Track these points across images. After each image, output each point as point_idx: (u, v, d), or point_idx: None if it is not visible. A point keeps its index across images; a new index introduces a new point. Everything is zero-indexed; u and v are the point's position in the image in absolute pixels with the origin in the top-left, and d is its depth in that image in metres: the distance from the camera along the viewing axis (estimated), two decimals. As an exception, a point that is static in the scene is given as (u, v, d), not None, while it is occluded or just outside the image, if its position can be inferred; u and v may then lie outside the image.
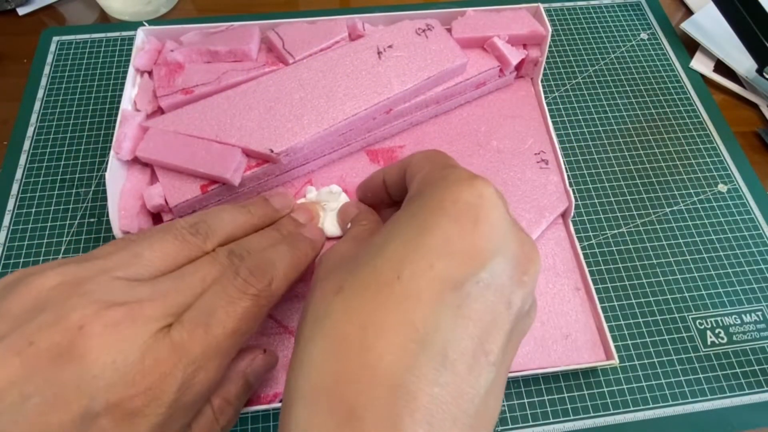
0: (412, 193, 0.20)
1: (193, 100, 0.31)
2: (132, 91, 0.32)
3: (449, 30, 0.35)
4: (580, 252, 0.31)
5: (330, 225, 0.29)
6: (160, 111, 0.32)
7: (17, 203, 0.34)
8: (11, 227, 0.33)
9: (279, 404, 0.25)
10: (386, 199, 0.26)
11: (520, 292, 0.17)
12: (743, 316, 0.32)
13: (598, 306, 0.29)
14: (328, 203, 0.30)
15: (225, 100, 0.31)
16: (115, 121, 0.36)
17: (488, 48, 0.35)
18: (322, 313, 0.17)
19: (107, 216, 0.33)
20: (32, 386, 0.16)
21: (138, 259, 0.19)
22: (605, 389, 0.29)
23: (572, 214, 0.32)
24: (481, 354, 0.16)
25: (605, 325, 0.29)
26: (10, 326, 0.16)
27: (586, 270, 0.31)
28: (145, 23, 0.35)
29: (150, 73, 0.33)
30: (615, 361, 0.28)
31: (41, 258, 0.32)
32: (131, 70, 0.32)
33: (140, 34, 0.33)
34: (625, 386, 0.29)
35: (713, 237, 0.34)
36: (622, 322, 0.31)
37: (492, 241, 0.17)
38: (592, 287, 0.30)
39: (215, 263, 0.21)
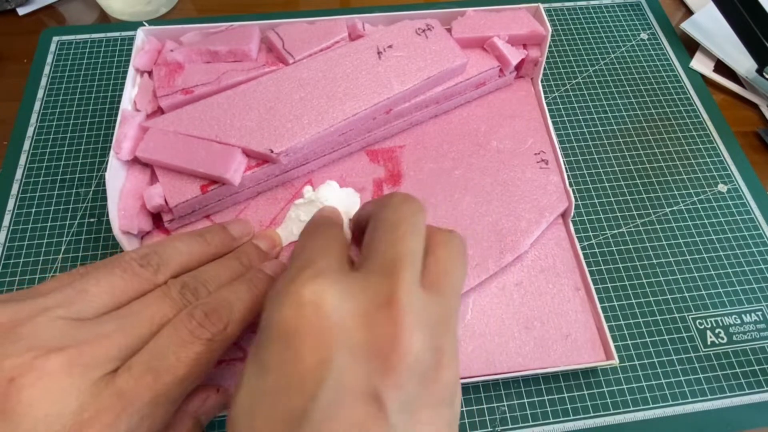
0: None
1: (193, 100, 0.31)
2: (132, 91, 0.32)
3: (449, 30, 0.35)
4: (580, 252, 0.31)
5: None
6: (160, 111, 0.32)
7: (17, 203, 0.34)
8: (11, 227, 0.33)
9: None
10: None
11: (392, 379, 0.15)
12: (743, 316, 0.32)
13: (598, 306, 0.29)
14: (327, 200, 0.30)
15: (225, 100, 0.31)
16: (115, 121, 0.36)
17: (488, 48, 0.35)
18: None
19: (107, 216, 0.33)
20: None
21: (82, 296, 0.18)
22: (605, 389, 0.29)
23: (572, 214, 0.32)
24: None
25: (605, 325, 0.29)
26: None
27: (586, 270, 0.31)
28: (145, 23, 0.35)
29: (150, 73, 0.33)
30: (615, 361, 0.28)
31: (41, 258, 0.32)
32: (131, 70, 0.32)
33: (140, 34, 0.33)
34: (625, 386, 0.29)
35: (713, 237, 0.34)
36: (622, 322, 0.31)
37: (324, 352, 0.15)
38: (592, 287, 0.30)
39: (165, 299, 0.20)
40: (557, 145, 0.34)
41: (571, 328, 0.29)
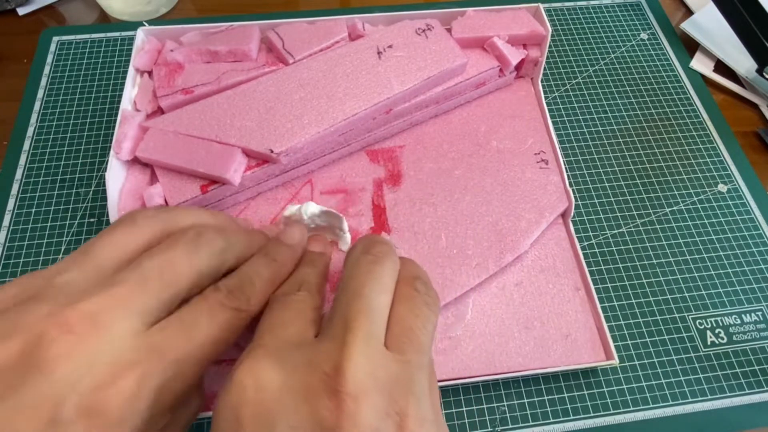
0: None
1: (193, 100, 0.31)
2: (132, 91, 0.32)
3: (449, 30, 0.35)
4: (580, 252, 0.31)
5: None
6: (160, 111, 0.32)
7: (17, 203, 0.34)
8: (11, 227, 0.33)
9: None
10: None
11: None
12: (743, 316, 0.32)
13: (598, 306, 0.29)
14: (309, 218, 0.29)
15: (225, 100, 0.31)
16: (115, 121, 0.36)
17: (488, 48, 0.35)
18: None
19: (107, 216, 0.33)
20: None
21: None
22: (605, 389, 0.29)
23: (572, 214, 0.32)
24: None
25: (605, 325, 0.29)
26: None
27: (586, 270, 0.31)
28: (145, 23, 0.35)
29: (150, 73, 0.33)
30: (615, 361, 0.28)
31: (41, 258, 0.32)
32: (131, 70, 0.32)
33: (140, 34, 0.33)
34: (625, 386, 0.29)
35: (713, 237, 0.34)
36: (622, 322, 0.31)
37: (267, 426, 0.15)
38: (592, 287, 0.30)
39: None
40: (557, 145, 0.34)
41: (571, 328, 0.29)
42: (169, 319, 0.18)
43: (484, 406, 0.28)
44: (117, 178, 0.29)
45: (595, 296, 0.30)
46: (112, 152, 0.29)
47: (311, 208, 0.27)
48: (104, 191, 0.31)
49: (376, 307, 0.18)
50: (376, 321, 0.18)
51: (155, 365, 0.17)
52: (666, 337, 0.31)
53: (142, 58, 0.32)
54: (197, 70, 0.32)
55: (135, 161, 0.30)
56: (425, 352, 0.18)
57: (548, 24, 0.35)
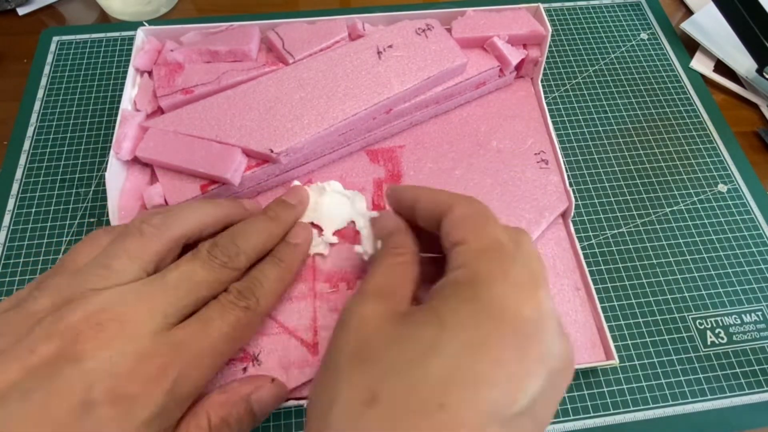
0: (458, 274, 0.18)
1: (193, 100, 0.31)
2: (132, 91, 0.32)
3: (449, 30, 0.35)
4: (580, 252, 0.31)
5: (329, 235, 0.29)
6: (160, 111, 0.32)
7: (17, 203, 0.34)
8: (11, 227, 0.33)
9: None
10: (413, 223, 0.23)
11: (563, 389, 0.17)
12: (743, 316, 0.32)
13: (598, 306, 0.29)
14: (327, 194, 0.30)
15: (225, 100, 0.31)
16: (115, 121, 0.36)
17: (488, 48, 0.35)
18: (350, 427, 0.15)
19: (107, 216, 0.33)
20: (33, 384, 0.17)
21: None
22: (605, 389, 0.29)
23: (572, 214, 0.32)
24: None
25: (605, 325, 0.29)
26: (11, 341, 0.18)
27: (586, 270, 0.31)
28: (145, 23, 0.35)
29: (150, 73, 0.33)
30: (615, 361, 0.28)
31: (41, 258, 0.32)
32: (131, 70, 0.32)
33: (140, 34, 0.33)
34: (625, 386, 0.29)
35: (713, 237, 0.34)
36: (622, 322, 0.31)
37: (544, 360, 0.16)
38: (592, 287, 0.30)
39: (196, 260, 0.22)
40: (557, 145, 0.34)
41: (571, 328, 0.29)
42: (189, 320, 0.21)
43: (484, 406, 0.28)
44: (117, 178, 0.29)
45: (595, 296, 0.30)
46: (112, 152, 0.29)
47: (335, 186, 0.30)
48: (104, 191, 0.31)
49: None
50: None
51: (175, 358, 0.19)
52: (666, 337, 0.31)
53: (142, 58, 0.32)
54: (197, 70, 0.32)
55: (135, 161, 0.30)
56: None
57: (548, 24, 0.35)
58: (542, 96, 0.36)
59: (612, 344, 0.28)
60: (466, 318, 0.16)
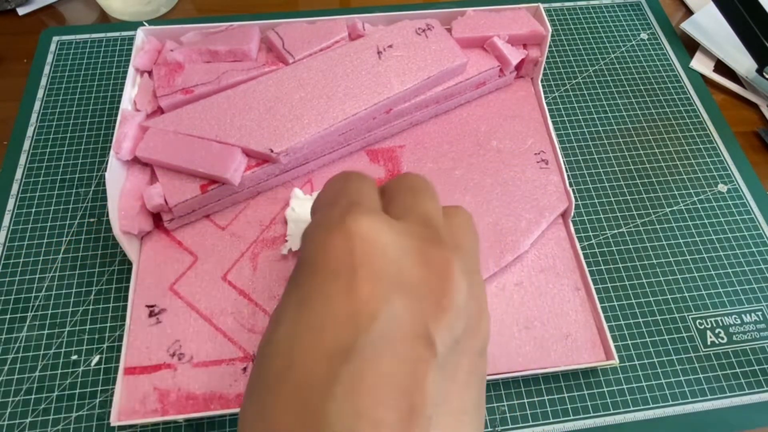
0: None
1: (193, 100, 0.31)
2: (132, 91, 0.32)
3: (449, 30, 0.35)
4: (581, 252, 0.31)
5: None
6: (160, 111, 0.32)
7: (17, 203, 0.34)
8: (11, 227, 0.33)
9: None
10: None
11: (444, 320, 0.15)
12: (743, 316, 0.32)
13: (598, 306, 0.29)
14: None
15: (225, 100, 0.31)
16: (115, 121, 0.36)
17: (488, 48, 0.35)
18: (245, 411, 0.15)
19: (107, 216, 0.33)
20: None
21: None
22: (605, 389, 0.29)
23: (572, 214, 0.32)
24: (407, 413, 0.13)
25: (605, 325, 0.29)
26: None
27: (586, 270, 0.31)
28: (145, 23, 0.35)
29: (150, 72, 0.33)
30: (615, 361, 0.28)
31: (41, 258, 0.32)
32: (131, 70, 0.32)
33: (140, 34, 0.33)
34: (625, 386, 0.29)
35: (713, 237, 0.34)
36: (622, 322, 0.31)
37: (379, 286, 0.15)
38: (592, 287, 0.30)
39: None
40: (557, 145, 0.34)
41: (571, 328, 0.29)
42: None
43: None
44: (117, 178, 0.29)
45: (595, 296, 0.30)
46: (112, 152, 0.29)
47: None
48: (104, 191, 0.31)
49: (439, 210, 0.20)
50: (441, 221, 0.19)
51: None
52: (666, 337, 0.31)
53: (141, 58, 0.32)
54: (197, 70, 0.32)
55: (135, 161, 0.30)
56: (477, 258, 0.20)
57: (548, 24, 0.35)
58: (542, 96, 0.36)
59: (612, 344, 0.28)
60: (293, 276, 0.16)
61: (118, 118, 0.30)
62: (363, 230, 0.15)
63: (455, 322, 0.15)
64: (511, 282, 0.31)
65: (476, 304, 0.17)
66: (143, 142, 0.29)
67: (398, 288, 0.15)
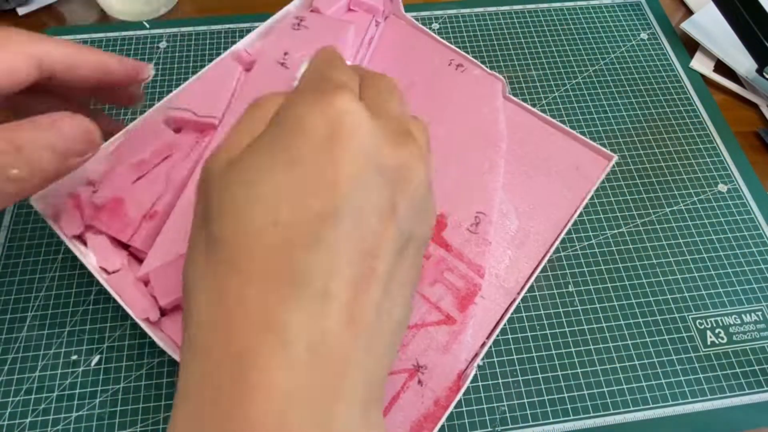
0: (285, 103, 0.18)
1: (162, 219, 0.27)
2: (90, 259, 0.26)
3: (317, 11, 0.34)
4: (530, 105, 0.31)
5: None
6: (136, 257, 0.27)
7: (17, 203, 0.34)
8: (11, 227, 0.33)
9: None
10: None
11: (408, 202, 0.17)
12: (743, 316, 0.32)
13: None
14: None
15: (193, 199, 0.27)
16: (115, 118, 0.36)
17: (354, 6, 0.35)
18: (196, 277, 0.17)
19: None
20: None
21: None
22: (605, 389, 0.29)
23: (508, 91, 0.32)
24: (368, 272, 0.16)
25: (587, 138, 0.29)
26: None
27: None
28: (145, 23, 0.35)
29: (91, 228, 0.27)
30: (615, 157, 0.31)
31: (41, 257, 0.32)
32: (70, 245, 0.26)
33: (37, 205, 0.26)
34: (625, 386, 0.29)
35: (713, 237, 0.34)
36: (622, 322, 0.31)
37: (362, 160, 0.16)
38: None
39: None
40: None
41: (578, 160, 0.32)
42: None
43: (484, 406, 0.28)
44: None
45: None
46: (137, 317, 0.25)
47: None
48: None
49: None
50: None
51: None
52: (666, 337, 0.31)
53: (67, 223, 0.26)
54: (140, 189, 0.27)
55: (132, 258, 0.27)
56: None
57: None
58: (416, 22, 0.36)
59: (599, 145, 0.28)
60: (276, 133, 0.17)
61: (110, 289, 0.25)
62: (352, 110, 0.17)
63: (413, 207, 0.18)
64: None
65: (431, 199, 0.19)
66: (157, 288, 0.26)
67: (373, 165, 0.16)
